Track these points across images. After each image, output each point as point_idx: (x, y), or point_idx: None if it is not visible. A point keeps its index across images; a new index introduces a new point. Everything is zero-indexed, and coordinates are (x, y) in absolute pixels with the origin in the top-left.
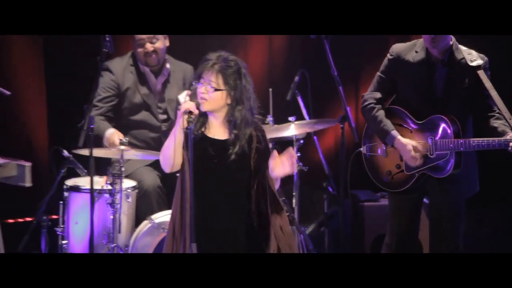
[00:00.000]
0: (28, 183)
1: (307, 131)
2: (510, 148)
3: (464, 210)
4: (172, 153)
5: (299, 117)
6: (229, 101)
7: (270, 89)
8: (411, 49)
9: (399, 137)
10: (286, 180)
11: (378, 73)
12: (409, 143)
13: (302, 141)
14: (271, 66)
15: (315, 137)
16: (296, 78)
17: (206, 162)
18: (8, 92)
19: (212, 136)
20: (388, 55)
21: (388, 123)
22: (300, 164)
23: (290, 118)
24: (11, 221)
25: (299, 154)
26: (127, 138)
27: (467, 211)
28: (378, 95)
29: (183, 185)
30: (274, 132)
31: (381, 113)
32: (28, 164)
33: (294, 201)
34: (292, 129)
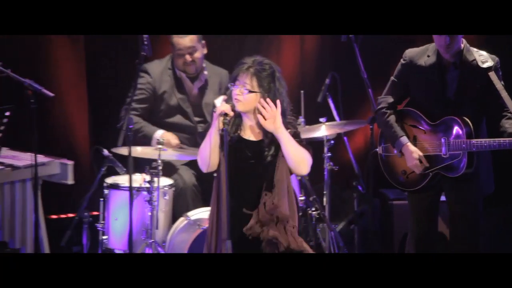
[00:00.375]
0: (70, 181)
1: (337, 132)
2: None
3: (482, 209)
4: (208, 154)
5: (330, 118)
6: None
7: (302, 91)
8: (423, 54)
9: (408, 144)
10: (317, 179)
11: (392, 77)
12: (416, 152)
13: (332, 142)
14: (302, 69)
15: (345, 138)
16: (327, 81)
17: (243, 163)
18: (51, 94)
19: (247, 138)
20: (402, 60)
21: (398, 129)
22: (331, 163)
23: (321, 119)
24: (54, 217)
25: (329, 154)
26: (164, 138)
27: (491, 210)
28: (390, 99)
29: (219, 184)
30: (305, 132)
31: (392, 118)
32: (70, 163)
33: (324, 199)
34: (323, 130)
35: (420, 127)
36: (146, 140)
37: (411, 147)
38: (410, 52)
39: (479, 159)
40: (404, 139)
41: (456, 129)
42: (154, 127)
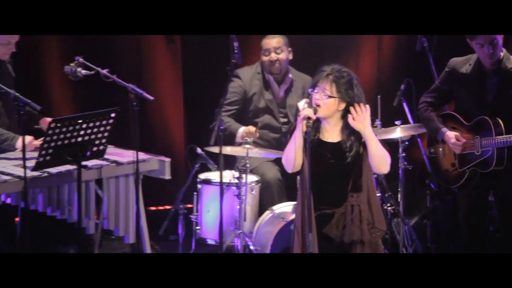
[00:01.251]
0: (167, 176)
1: (411, 134)
2: None
3: None
4: (293, 156)
5: (405, 121)
6: (340, 108)
7: (379, 96)
8: (465, 63)
9: (447, 132)
10: (393, 177)
11: (437, 82)
12: (453, 133)
13: (407, 143)
14: (379, 76)
15: (418, 139)
16: (402, 86)
17: (323, 163)
18: (151, 97)
19: (326, 140)
20: (446, 68)
21: (438, 122)
22: (405, 163)
23: (397, 122)
24: (153, 208)
25: (404, 154)
26: (252, 138)
27: None
28: (430, 99)
29: (303, 183)
30: (381, 134)
31: (432, 114)
32: (167, 160)
33: (399, 196)
34: (398, 132)
35: (459, 129)
36: (232, 137)
37: (450, 133)
38: (453, 61)
39: None
40: (444, 129)
41: (488, 128)
42: (238, 124)
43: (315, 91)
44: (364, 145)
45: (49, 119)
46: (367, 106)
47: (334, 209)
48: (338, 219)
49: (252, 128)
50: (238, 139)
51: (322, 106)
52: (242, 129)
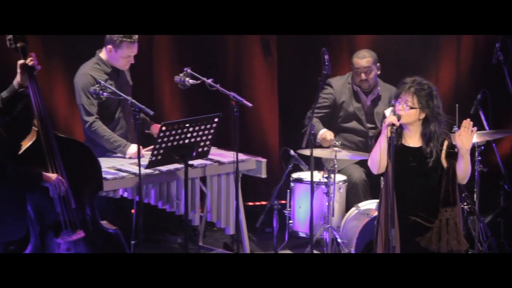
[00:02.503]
0: (263, 175)
1: (487, 139)
2: None
3: None
4: (379, 159)
5: (481, 128)
6: (421, 117)
7: (457, 105)
8: None
9: None
10: (469, 179)
11: None
12: None
13: (482, 147)
14: (458, 86)
15: (493, 144)
16: (479, 96)
17: (405, 166)
18: (250, 104)
19: (408, 145)
20: None
21: None
22: (481, 165)
23: (473, 129)
24: (250, 203)
25: (479, 158)
26: (339, 141)
27: None
28: None
29: (387, 184)
30: None
31: None
32: (263, 160)
33: (475, 195)
34: (474, 137)
35: None
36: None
37: None
38: None
39: None
40: None
41: None
42: (320, 126)
43: (398, 102)
44: (453, 156)
45: (158, 125)
46: (475, 129)
47: (430, 223)
48: (436, 233)
49: (328, 136)
50: (318, 139)
51: (404, 116)
52: (321, 132)
